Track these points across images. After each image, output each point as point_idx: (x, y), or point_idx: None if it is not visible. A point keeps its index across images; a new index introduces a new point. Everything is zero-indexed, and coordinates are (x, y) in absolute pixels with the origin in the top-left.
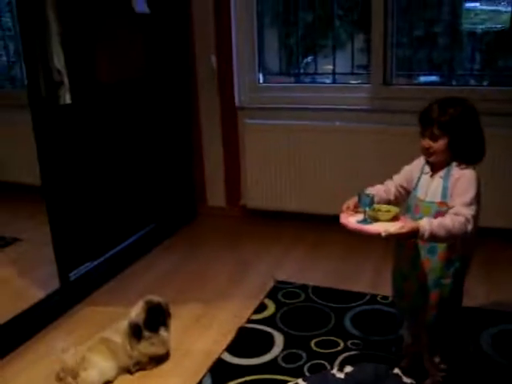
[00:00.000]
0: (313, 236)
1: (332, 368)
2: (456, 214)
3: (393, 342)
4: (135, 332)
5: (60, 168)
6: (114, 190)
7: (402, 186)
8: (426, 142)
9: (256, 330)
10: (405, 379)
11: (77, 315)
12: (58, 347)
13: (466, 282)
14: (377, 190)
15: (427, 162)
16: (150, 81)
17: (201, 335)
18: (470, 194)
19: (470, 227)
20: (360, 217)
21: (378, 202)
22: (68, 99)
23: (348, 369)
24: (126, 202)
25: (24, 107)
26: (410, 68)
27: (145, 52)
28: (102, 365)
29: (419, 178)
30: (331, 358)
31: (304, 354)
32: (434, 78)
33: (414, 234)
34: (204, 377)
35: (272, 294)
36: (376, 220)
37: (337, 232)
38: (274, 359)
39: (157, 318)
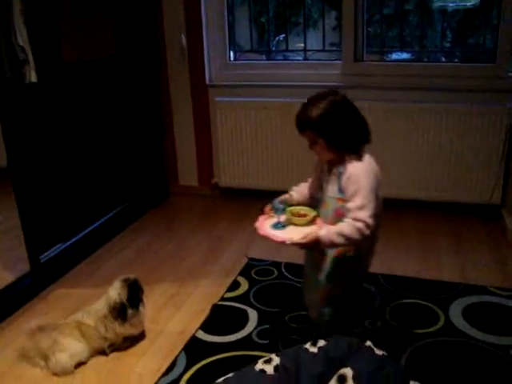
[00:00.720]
0: None
1: (305, 343)
2: (354, 219)
3: (364, 318)
4: (120, 312)
5: (27, 148)
6: (84, 170)
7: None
8: (309, 146)
9: (230, 307)
10: (377, 351)
11: (49, 297)
12: (31, 327)
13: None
14: (301, 189)
15: None
16: (119, 60)
17: (174, 314)
18: (361, 194)
19: (368, 231)
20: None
21: (301, 203)
22: (34, 78)
23: (321, 343)
24: (97, 182)
25: None
26: (382, 45)
27: (113, 31)
28: (72, 347)
29: (324, 173)
30: (305, 333)
31: (278, 330)
32: (405, 56)
33: (316, 243)
34: (178, 355)
35: (245, 272)
36: (291, 224)
37: None
38: (249, 335)
39: (136, 294)
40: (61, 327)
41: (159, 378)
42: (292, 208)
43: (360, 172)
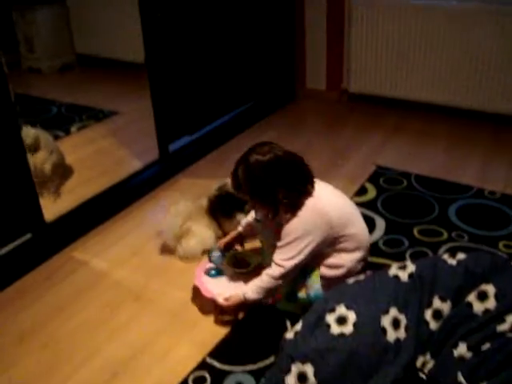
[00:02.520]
0: (417, 125)
1: (442, 254)
2: (267, 274)
3: (501, 238)
4: (210, 208)
5: (164, 45)
6: (216, 67)
7: None
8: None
9: None
10: None
11: (175, 185)
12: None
13: None
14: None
15: None
16: None
17: None
18: (289, 238)
19: (280, 281)
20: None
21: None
22: None
23: (461, 256)
24: (227, 80)
25: None
26: None
27: None
28: (202, 233)
29: None
30: (434, 247)
31: (406, 241)
32: None
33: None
34: None
35: (373, 179)
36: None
37: (442, 122)
38: (375, 243)
39: (231, 203)
40: (190, 213)
41: None
42: (233, 254)
43: (292, 227)
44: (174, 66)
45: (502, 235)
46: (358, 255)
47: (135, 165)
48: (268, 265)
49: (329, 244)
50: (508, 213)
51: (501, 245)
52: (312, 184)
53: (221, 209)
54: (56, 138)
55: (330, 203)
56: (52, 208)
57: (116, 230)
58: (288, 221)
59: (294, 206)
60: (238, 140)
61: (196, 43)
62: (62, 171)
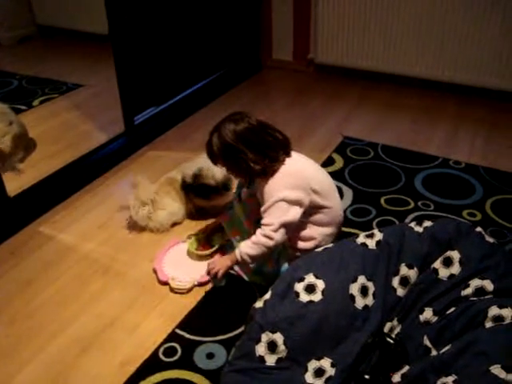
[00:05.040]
0: (383, 96)
1: (409, 222)
2: (260, 232)
3: (465, 207)
4: (184, 188)
5: (127, 15)
6: (181, 38)
7: None
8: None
9: None
10: (487, 238)
11: (141, 158)
12: (134, 180)
13: None
14: None
15: None
16: None
17: None
18: (270, 201)
19: (271, 242)
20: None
21: None
22: None
23: (427, 223)
24: (192, 51)
25: None
26: None
27: None
28: (171, 206)
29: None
30: (401, 216)
31: (373, 210)
32: None
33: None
34: None
35: (340, 149)
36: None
37: (409, 94)
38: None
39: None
40: (156, 186)
41: None
42: (196, 238)
43: (270, 188)
44: (138, 37)
45: (466, 204)
46: (330, 230)
47: (100, 138)
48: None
49: (305, 211)
50: (472, 182)
51: (465, 213)
52: (286, 152)
53: (195, 192)
54: (18, 111)
55: (306, 169)
56: (15, 182)
57: (82, 204)
58: (264, 185)
59: (267, 173)
60: (204, 111)
61: (161, 12)
62: (25, 144)
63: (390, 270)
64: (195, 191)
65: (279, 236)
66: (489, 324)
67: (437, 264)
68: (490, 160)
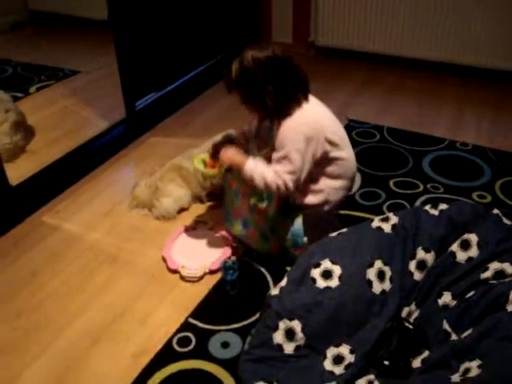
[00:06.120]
0: (388, 79)
1: (424, 205)
2: (276, 173)
3: (474, 189)
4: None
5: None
6: (181, 22)
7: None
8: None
9: None
10: (505, 220)
11: (143, 145)
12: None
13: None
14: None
15: None
16: None
17: None
18: (285, 150)
19: (284, 188)
20: None
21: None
22: None
23: (442, 206)
24: (192, 34)
25: None
26: None
27: None
28: (176, 192)
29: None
30: (411, 199)
31: (383, 193)
32: None
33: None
34: None
35: (346, 132)
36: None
37: (412, 76)
38: (352, 196)
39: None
40: (161, 172)
41: None
42: (202, 158)
43: (285, 135)
44: (137, 22)
45: (475, 186)
46: (339, 183)
47: (101, 125)
48: None
49: (317, 162)
50: (480, 164)
51: (474, 195)
52: (305, 94)
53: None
54: (15, 99)
55: (323, 118)
56: (17, 171)
57: (85, 192)
58: (283, 125)
59: (280, 113)
60: (203, 97)
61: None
62: (24, 132)
63: (407, 254)
64: None
65: (291, 185)
66: (511, 307)
67: (454, 247)
68: (497, 142)
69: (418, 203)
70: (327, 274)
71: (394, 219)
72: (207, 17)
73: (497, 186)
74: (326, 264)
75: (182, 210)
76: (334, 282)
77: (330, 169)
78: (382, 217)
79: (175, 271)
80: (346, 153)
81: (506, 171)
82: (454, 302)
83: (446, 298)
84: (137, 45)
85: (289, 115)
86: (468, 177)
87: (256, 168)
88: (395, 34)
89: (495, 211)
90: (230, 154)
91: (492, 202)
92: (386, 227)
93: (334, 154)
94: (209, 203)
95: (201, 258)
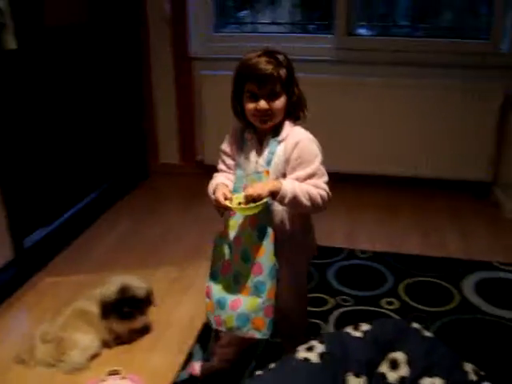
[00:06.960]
0: None
1: (343, 328)
2: (315, 185)
3: (381, 296)
4: (104, 311)
5: (3, 123)
6: (63, 152)
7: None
8: (264, 104)
9: None
10: (426, 333)
11: (37, 287)
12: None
13: None
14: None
15: (251, 127)
16: (98, 27)
17: (180, 301)
18: (314, 164)
19: (326, 198)
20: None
21: None
22: (13, 44)
23: (365, 327)
24: (75, 163)
25: None
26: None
27: None
28: (83, 341)
29: (241, 150)
30: (324, 316)
31: None
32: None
33: (274, 189)
34: (193, 347)
35: None
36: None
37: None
38: None
39: (131, 305)
40: (62, 320)
41: (178, 372)
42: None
43: (308, 137)
44: (18, 156)
45: (382, 293)
46: None
47: None
48: None
49: None
50: (382, 270)
51: (383, 302)
52: (298, 116)
53: (118, 312)
54: None
55: None
56: None
57: None
58: (299, 132)
59: (297, 109)
60: (94, 228)
61: (40, 131)
62: None
63: (338, 383)
64: (118, 311)
65: (330, 194)
66: None
67: (383, 368)
68: (394, 245)
69: (331, 319)
70: None
71: (319, 347)
72: (91, 146)
73: (400, 290)
74: None
75: (94, 356)
76: None
77: None
78: (306, 345)
79: None
80: None
81: (406, 273)
82: None
83: None
84: (20, 179)
85: (298, 119)
86: (373, 284)
87: (294, 183)
88: None
89: (415, 325)
90: (261, 189)
91: (401, 308)
92: (314, 357)
93: None
94: (120, 348)
95: None
